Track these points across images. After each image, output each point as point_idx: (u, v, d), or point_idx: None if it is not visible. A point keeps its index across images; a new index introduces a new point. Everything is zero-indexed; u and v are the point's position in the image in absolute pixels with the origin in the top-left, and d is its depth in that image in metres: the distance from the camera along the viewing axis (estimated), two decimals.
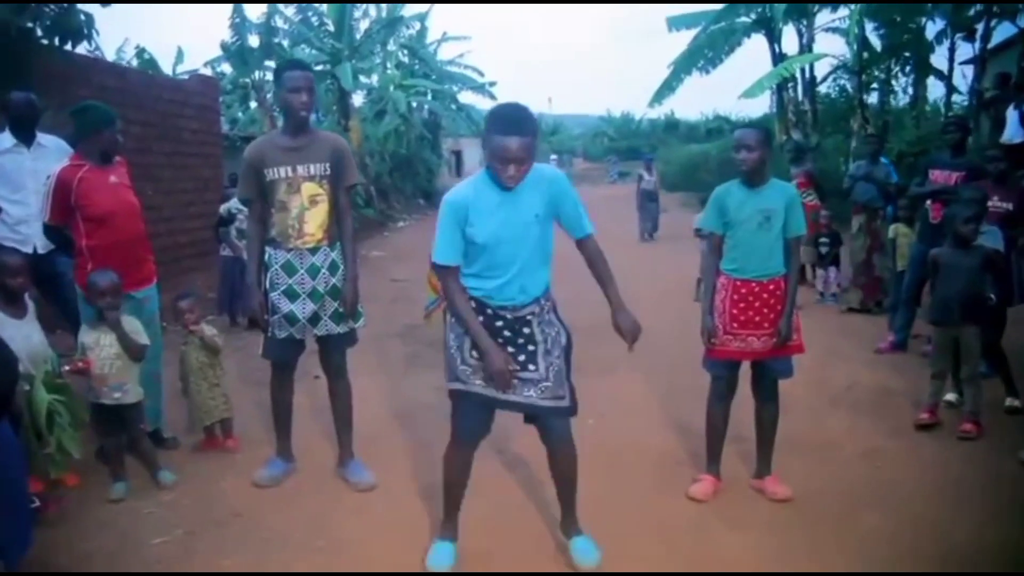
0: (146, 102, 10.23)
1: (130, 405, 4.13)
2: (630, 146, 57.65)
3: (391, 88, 26.94)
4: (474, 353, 3.17)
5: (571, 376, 3.29)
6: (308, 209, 4.01)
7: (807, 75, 19.07)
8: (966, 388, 4.91)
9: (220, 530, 3.73)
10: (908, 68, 17.64)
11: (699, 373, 4.12)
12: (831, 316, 8.07)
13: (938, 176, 6.26)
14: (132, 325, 4.12)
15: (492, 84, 32.07)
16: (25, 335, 3.71)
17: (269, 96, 20.68)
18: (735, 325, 3.89)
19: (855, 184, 8.17)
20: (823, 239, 8.97)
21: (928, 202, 6.32)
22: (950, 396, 5.16)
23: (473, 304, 3.19)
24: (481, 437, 3.37)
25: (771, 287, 3.88)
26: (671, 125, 56.27)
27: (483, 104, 34.62)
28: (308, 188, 4.00)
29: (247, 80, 22.48)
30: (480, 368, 3.17)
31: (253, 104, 24.25)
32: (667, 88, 19.51)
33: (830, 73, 20.00)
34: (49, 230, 4.47)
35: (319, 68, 21.17)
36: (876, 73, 17.83)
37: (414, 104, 28.83)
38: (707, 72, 19.39)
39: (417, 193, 27.73)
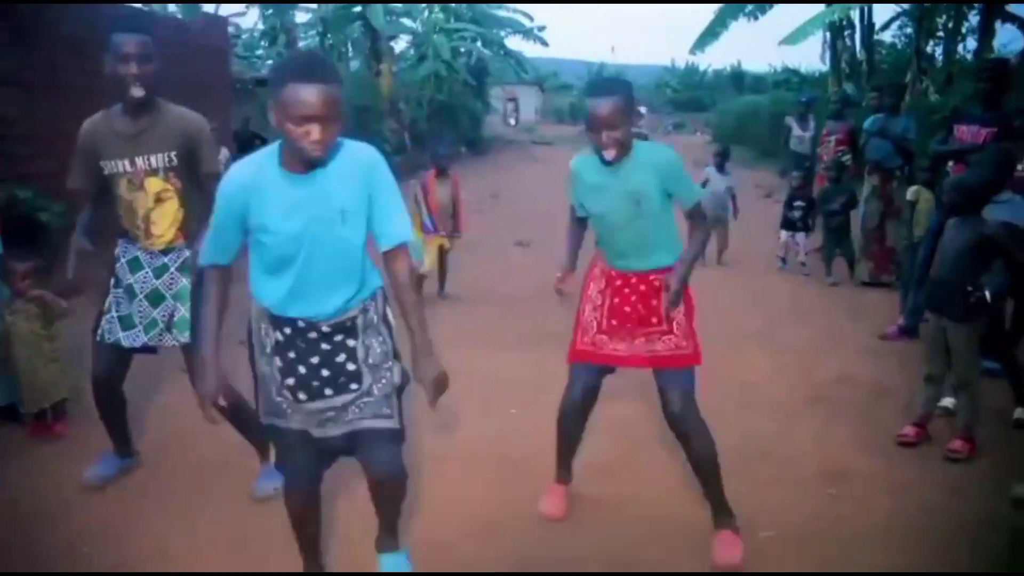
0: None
1: None
2: (692, 97, 55.64)
3: (434, 33, 26.05)
4: (288, 381, 2.44)
5: (401, 398, 2.55)
6: (153, 209, 3.28)
7: (865, 22, 17.56)
8: (957, 396, 4.01)
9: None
10: (974, 12, 15.81)
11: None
12: (844, 291, 7.12)
13: (964, 133, 5.21)
14: None
15: (541, 29, 30.90)
16: None
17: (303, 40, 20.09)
18: (613, 322, 3.08)
19: (868, 140, 7.13)
20: (797, 203, 8.15)
21: (950, 163, 5.33)
22: (947, 401, 4.20)
23: (273, 318, 2.44)
24: (318, 480, 2.59)
25: (652, 279, 3.04)
26: (736, 76, 53.98)
27: (532, 51, 33.50)
28: (152, 184, 3.25)
29: (276, 21, 21.83)
30: (294, 401, 2.46)
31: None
32: (710, 35, 17.98)
33: (892, 19, 18.42)
34: None
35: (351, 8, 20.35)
36: (941, 19, 16.07)
37: (462, 50, 27.87)
38: (755, 18, 17.79)
39: (459, 141, 26.86)
